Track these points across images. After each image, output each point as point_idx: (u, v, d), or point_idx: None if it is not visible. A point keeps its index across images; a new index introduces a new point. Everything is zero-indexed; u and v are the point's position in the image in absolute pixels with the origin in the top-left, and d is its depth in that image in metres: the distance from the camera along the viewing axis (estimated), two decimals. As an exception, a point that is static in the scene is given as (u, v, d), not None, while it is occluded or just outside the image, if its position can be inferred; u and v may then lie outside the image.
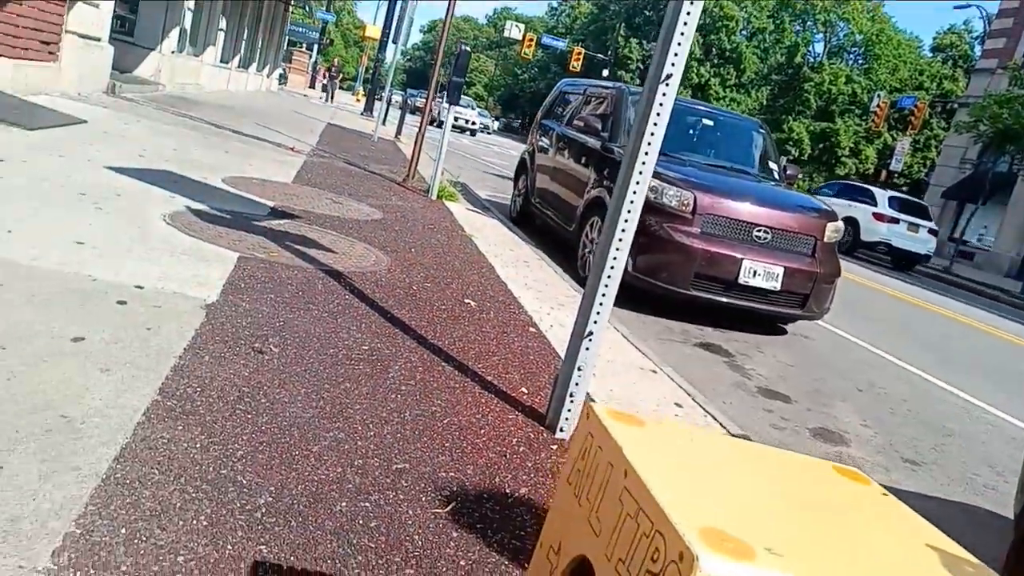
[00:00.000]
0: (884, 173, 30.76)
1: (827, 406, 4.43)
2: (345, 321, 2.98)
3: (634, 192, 2.43)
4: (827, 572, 0.60)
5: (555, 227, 7.14)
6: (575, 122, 7.13)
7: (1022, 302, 15.61)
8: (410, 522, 1.70)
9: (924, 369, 5.92)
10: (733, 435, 2.97)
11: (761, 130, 7.43)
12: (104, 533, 1.42)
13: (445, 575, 1.55)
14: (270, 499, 1.67)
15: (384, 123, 15.36)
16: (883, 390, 5.10)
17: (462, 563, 1.60)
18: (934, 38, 44.25)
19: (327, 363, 2.51)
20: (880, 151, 38.35)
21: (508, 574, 1.60)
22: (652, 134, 2.37)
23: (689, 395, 3.36)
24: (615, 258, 2.49)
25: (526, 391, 2.77)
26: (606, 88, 7.42)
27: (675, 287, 5.43)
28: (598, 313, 2.41)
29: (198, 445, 1.81)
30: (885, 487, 2.44)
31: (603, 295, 2.46)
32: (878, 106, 28.96)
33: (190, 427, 1.88)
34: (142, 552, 1.39)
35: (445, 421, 2.30)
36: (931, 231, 17.57)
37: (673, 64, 2.31)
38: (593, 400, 2.85)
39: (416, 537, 1.65)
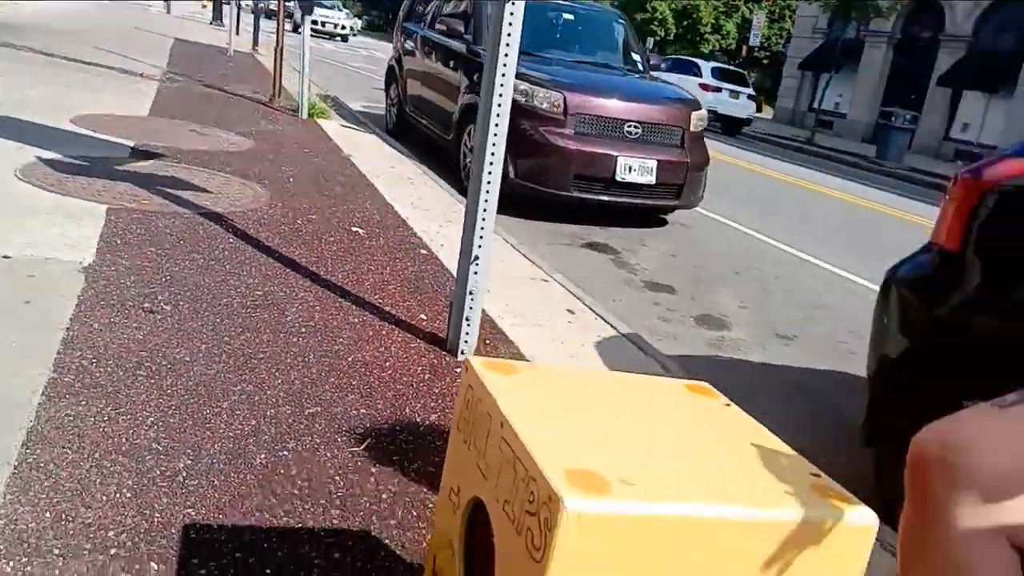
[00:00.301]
0: (744, 48, 31.60)
1: (708, 292, 4.75)
2: (234, 267, 2.95)
3: (499, 97, 2.44)
4: (673, 491, 0.73)
5: (433, 137, 7.08)
6: (437, 25, 6.96)
7: (879, 167, 16.78)
8: (329, 465, 1.79)
9: (793, 245, 6.38)
10: (623, 335, 3.18)
11: (621, 21, 7.51)
12: (29, 520, 1.43)
13: (369, 510, 1.65)
14: (189, 462, 1.71)
15: (238, 33, 14.36)
16: (758, 270, 5.49)
17: (384, 496, 1.71)
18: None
19: (223, 314, 2.50)
20: (740, 25, 39.19)
21: (428, 501, 1.72)
22: (509, 35, 2.37)
23: (580, 299, 3.54)
24: (490, 173, 2.51)
25: (425, 317, 2.86)
26: (461, -14, 7.26)
27: (556, 190, 5.57)
28: (481, 235, 2.48)
29: (106, 417, 1.81)
30: (763, 363, 2.70)
31: (484, 214, 2.50)
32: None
33: (94, 400, 1.87)
34: (71, 533, 1.42)
35: (350, 359, 2.37)
36: (750, 96, 19.68)
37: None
38: (490, 316, 2.97)
39: (337, 478, 1.74)
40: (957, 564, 0.92)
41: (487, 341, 2.72)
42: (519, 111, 5.61)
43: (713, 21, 39.65)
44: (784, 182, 11.23)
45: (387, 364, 2.39)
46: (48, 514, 1.46)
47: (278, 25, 8.34)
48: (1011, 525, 0.89)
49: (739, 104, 19.35)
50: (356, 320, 2.68)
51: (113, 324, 2.27)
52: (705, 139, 6.23)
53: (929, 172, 16.70)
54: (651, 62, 7.17)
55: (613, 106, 5.62)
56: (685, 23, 39.78)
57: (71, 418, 1.77)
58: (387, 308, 2.85)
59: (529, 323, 3.08)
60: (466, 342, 2.54)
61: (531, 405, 0.83)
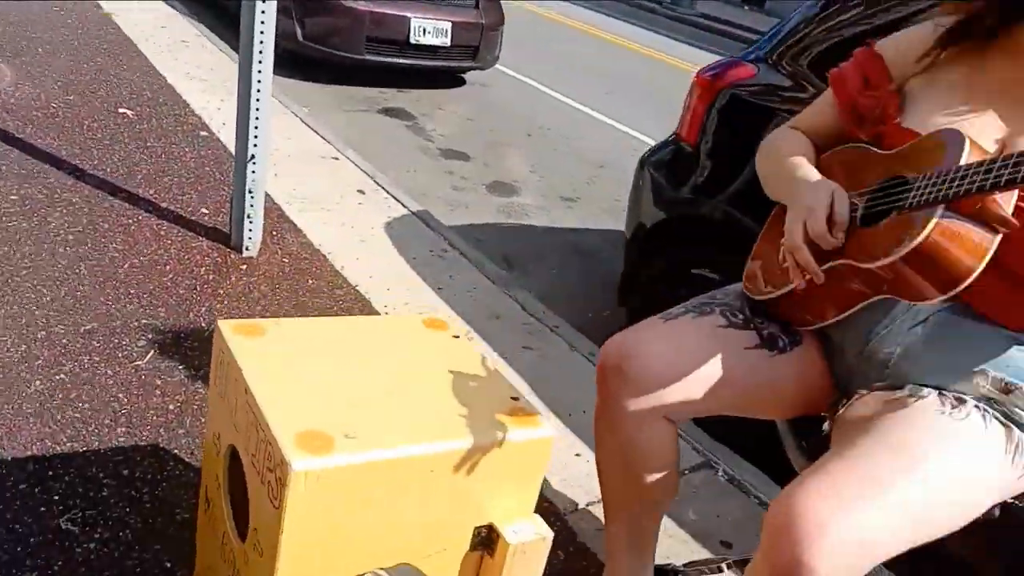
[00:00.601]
0: None
1: (501, 157, 4.92)
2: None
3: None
4: (389, 437, 0.90)
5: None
6: None
7: (672, 12, 17.35)
8: (111, 383, 1.82)
9: (586, 103, 6.64)
10: (414, 212, 3.29)
11: None
12: None
13: (156, 423, 1.73)
14: (-47, 397, 1.68)
15: None
16: (551, 130, 5.71)
17: (171, 408, 1.79)
18: None
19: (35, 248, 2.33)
20: None
21: (216, 407, 1.82)
22: None
23: (372, 177, 3.58)
24: (261, 62, 2.41)
25: (207, 211, 2.80)
26: None
27: (349, 52, 5.39)
28: (256, 131, 2.43)
29: None
30: (547, 227, 2.93)
31: (257, 106, 2.43)
32: None
33: None
34: None
35: (126, 265, 2.32)
36: None
37: None
38: (276, 204, 2.96)
39: (121, 396, 1.79)
40: (629, 438, 1.19)
41: (273, 233, 2.74)
42: (302, -32, 5.27)
43: None
44: (583, 32, 11.41)
45: (168, 267, 2.37)
46: None
47: None
48: (665, 405, 1.16)
49: None
50: (130, 220, 2.59)
51: None
52: (499, -2, 6.18)
53: (718, 19, 17.51)
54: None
55: (402, -35, 5.40)
56: None
57: None
58: (164, 204, 2.76)
59: (318, 207, 3.10)
60: (250, 239, 2.55)
61: (272, 368, 0.95)
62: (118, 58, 4.31)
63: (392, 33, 5.40)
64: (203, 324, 2.15)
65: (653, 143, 5.25)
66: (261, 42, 2.32)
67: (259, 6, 2.31)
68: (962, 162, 0.96)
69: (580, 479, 1.81)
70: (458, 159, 4.73)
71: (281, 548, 0.85)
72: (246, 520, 0.96)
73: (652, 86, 8.22)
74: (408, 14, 5.39)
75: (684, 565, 1.51)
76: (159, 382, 1.87)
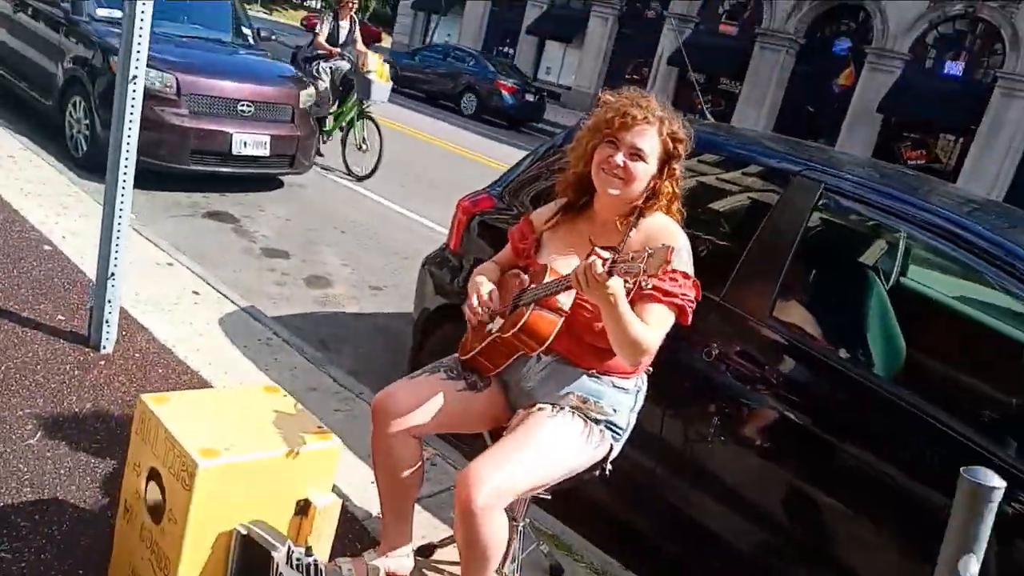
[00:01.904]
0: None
1: (317, 254, 5.68)
2: None
3: (132, 108, 2.96)
4: (244, 448, 1.66)
5: (24, 96, 6.86)
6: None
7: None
8: (12, 458, 2.38)
9: (394, 200, 7.57)
10: (243, 308, 3.97)
11: (231, -7, 7.83)
12: None
13: (56, 483, 2.32)
14: None
15: None
16: (360, 226, 6.55)
17: (63, 471, 2.38)
18: None
19: None
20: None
21: (97, 467, 2.43)
22: (140, 34, 2.86)
23: (204, 279, 4.22)
24: (124, 185, 3.07)
25: (63, 317, 3.35)
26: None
27: (176, 164, 5.98)
28: (116, 256, 3.07)
29: None
30: (356, 313, 3.78)
31: (119, 232, 3.06)
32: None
33: None
34: None
35: (3, 368, 2.85)
36: None
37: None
38: (123, 307, 3.54)
39: (22, 466, 2.35)
40: (390, 449, 2.00)
41: (124, 332, 3.32)
42: (129, 89, 5.84)
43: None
44: (395, 129, 12.48)
45: (38, 367, 2.92)
46: None
47: None
48: (409, 428, 1.99)
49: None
50: (19, 330, 3.10)
51: None
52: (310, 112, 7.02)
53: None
54: (263, 34, 7.62)
55: (226, 86, 6.12)
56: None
57: None
58: (24, 314, 3.28)
59: (159, 309, 3.70)
60: (107, 339, 3.14)
61: (178, 416, 1.68)
62: (-49, 177, 4.67)
63: (215, 146, 6.06)
64: (76, 410, 2.72)
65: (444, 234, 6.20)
66: (124, 183, 3.00)
67: (124, 149, 3.00)
68: (545, 280, 1.91)
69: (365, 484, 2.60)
70: (279, 257, 5.44)
71: (190, 514, 1.57)
72: (158, 512, 1.67)
73: (454, 180, 9.33)
74: (230, 129, 6.09)
75: (439, 542, 2.34)
76: (50, 454, 2.44)
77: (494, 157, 11.71)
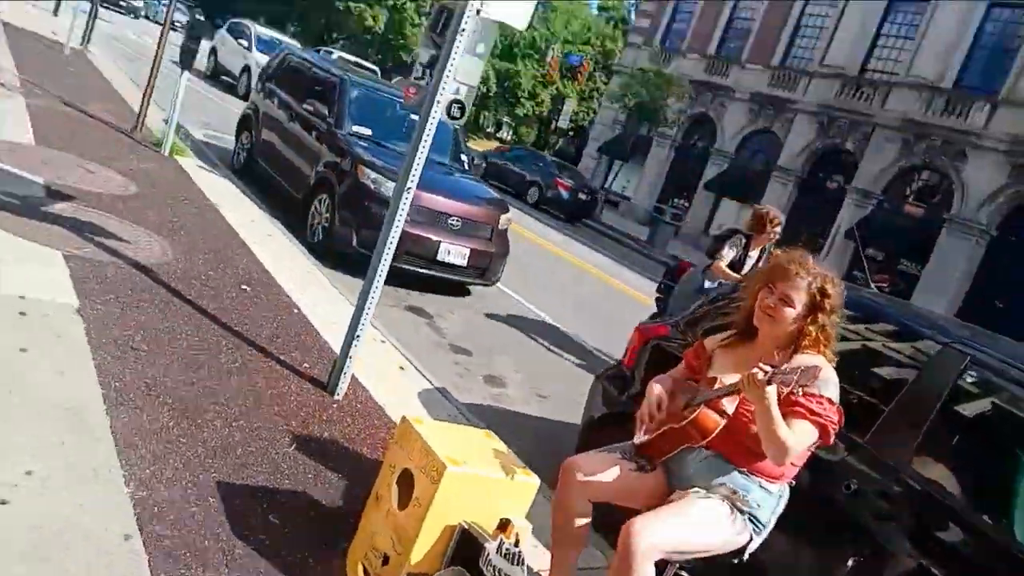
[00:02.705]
0: (553, 125, 35.28)
1: (494, 357, 6.41)
2: (174, 314, 4.11)
3: (401, 210, 3.85)
4: (476, 464, 2.25)
5: (282, 188, 8.31)
6: (305, 104, 8.16)
7: (647, 250, 19.86)
8: (276, 458, 3.11)
9: (562, 321, 8.29)
10: (436, 388, 4.69)
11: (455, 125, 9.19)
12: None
13: (305, 482, 3.01)
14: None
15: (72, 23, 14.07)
16: (532, 341, 7.27)
17: (310, 474, 3.07)
18: (598, -3, 50.34)
19: (177, 355, 3.70)
20: (554, 97, 43.07)
21: (338, 475, 3.10)
22: (416, 167, 3.78)
23: (408, 358, 5.02)
24: (381, 273, 3.93)
25: (307, 365, 4.20)
26: (330, 74, 8.54)
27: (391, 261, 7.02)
28: (365, 319, 3.90)
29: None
30: (525, 413, 4.43)
31: (371, 304, 3.92)
32: (552, 58, 33.00)
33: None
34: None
35: (268, 393, 3.67)
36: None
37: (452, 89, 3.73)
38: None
39: (282, 465, 3.07)
40: (569, 506, 2.52)
41: (350, 387, 4.11)
42: (368, 195, 7.06)
43: (530, 88, 43.18)
44: (568, 261, 13.45)
45: (291, 398, 3.72)
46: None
47: (159, 46, 8.98)
48: (588, 492, 2.50)
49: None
50: (263, 365, 3.97)
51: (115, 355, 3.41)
52: (508, 233, 7.99)
53: (681, 259, 19.89)
54: (475, 161, 8.83)
55: (442, 202, 7.20)
56: (506, 83, 42.97)
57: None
58: (282, 356, 4.16)
59: (374, 375, 4.49)
60: (341, 387, 3.93)
61: (431, 435, 2.32)
62: (230, 245, 5.89)
63: (424, 251, 7.08)
64: (317, 433, 3.46)
65: (608, 356, 6.78)
66: (382, 269, 3.85)
67: (389, 242, 3.87)
68: (714, 387, 2.43)
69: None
70: (463, 353, 6.21)
71: (433, 503, 2.17)
72: (405, 500, 2.28)
73: (617, 312, 9.96)
74: (439, 239, 7.12)
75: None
76: (301, 460, 3.16)
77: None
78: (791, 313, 2.46)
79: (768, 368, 2.16)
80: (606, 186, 27.86)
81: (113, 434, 2.82)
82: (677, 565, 2.57)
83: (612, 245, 19.27)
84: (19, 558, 2.08)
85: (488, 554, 2.16)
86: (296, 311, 5.03)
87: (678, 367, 2.82)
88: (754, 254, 6.06)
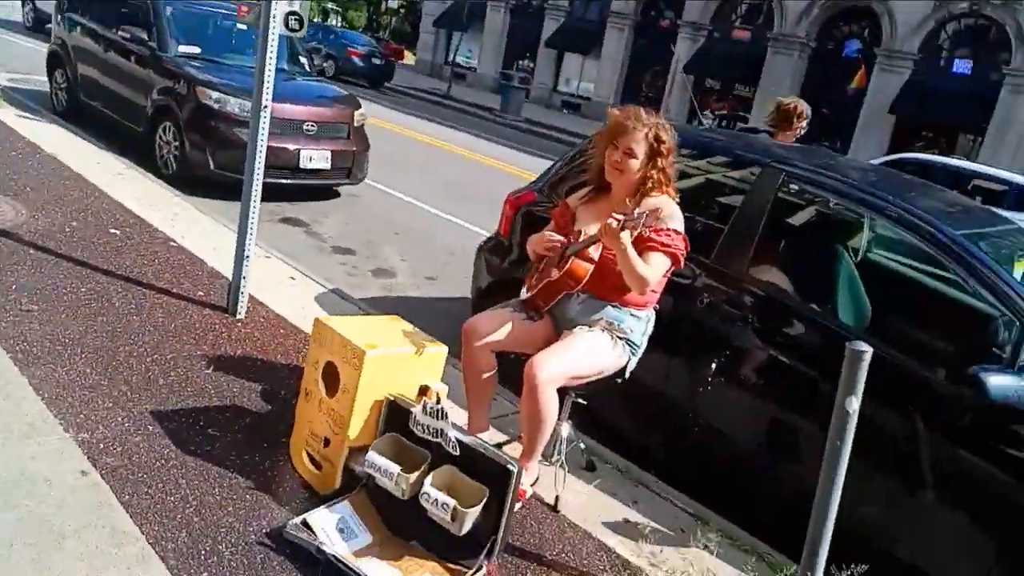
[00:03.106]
0: (383, 5, 33.83)
1: (377, 250, 6.63)
2: (55, 273, 4.07)
3: (263, 127, 3.93)
4: (385, 344, 2.57)
5: (118, 123, 7.89)
6: (120, 32, 7.60)
7: (502, 119, 19.97)
8: (200, 380, 3.31)
9: (435, 205, 8.52)
10: (330, 290, 4.91)
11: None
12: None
13: (233, 396, 3.24)
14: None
15: None
16: (411, 229, 7.51)
17: (235, 388, 3.30)
18: None
19: (74, 307, 3.73)
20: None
21: (259, 386, 3.35)
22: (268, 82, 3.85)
23: (296, 268, 5.18)
24: (256, 190, 4.03)
25: (203, 293, 4.31)
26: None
27: (253, 176, 6.95)
28: (251, 236, 4.03)
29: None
30: (419, 297, 4.78)
31: (252, 222, 4.03)
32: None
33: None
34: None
35: (173, 326, 3.80)
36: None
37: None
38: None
39: (209, 387, 3.28)
40: (476, 361, 2.90)
41: (249, 305, 4.27)
42: (214, 115, 6.87)
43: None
44: (425, 142, 13.49)
45: (196, 326, 3.87)
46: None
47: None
48: (488, 344, 2.88)
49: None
50: (159, 301, 4.06)
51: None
52: (365, 129, 8.00)
53: (542, 124, 20.27)
54: (316, 61, 8.62)
55: (294, 109, 7.11)
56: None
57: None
58: (174, 290, 4.24)
59: (267, 290, 4.64)
60: (242, 307, 4.10)
61: (345, 327, 2.60)
62: (81, 189, 5.70)
63: (286, 161, 7.04)
64: (231, 352, 3.66)
65: (481, 230, 7.17)
66: (256, 185, 3.95)
67: (257, 158, 3.95)
68: (579, 239, 2.81)
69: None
70: (347, 253, 6.39)
71: (360, 385, 2.48)
72: (333, 388, 2.59)
73: (486, 188, 10.24)
74: (298, 146, 7.09)
75: (504, 442, 3.24)
76: (223, 379, 3.38)
77: (518, 166, 12.64)
78: (635, 164, 2.84)
79: (620, 217, 2.55)
80: (449, 60, 27.37)
81: (37, 391, 2.93)
82: (574, 394, 3.05)
83: (467, 119, 19.27)
84: (-11, 514, 2.26)
85: (415, 416, 2.52)
86: (174, 244, 5.04)
87: (548, 226, 3.18)
88: None
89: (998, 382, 2.50)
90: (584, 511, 2.98)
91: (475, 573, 2.37)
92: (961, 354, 3.06)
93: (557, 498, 2.97)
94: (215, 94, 6.85)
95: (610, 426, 3.64)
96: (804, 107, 5.07)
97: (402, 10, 39.64)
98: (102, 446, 2.70)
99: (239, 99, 6.83)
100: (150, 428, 2.88)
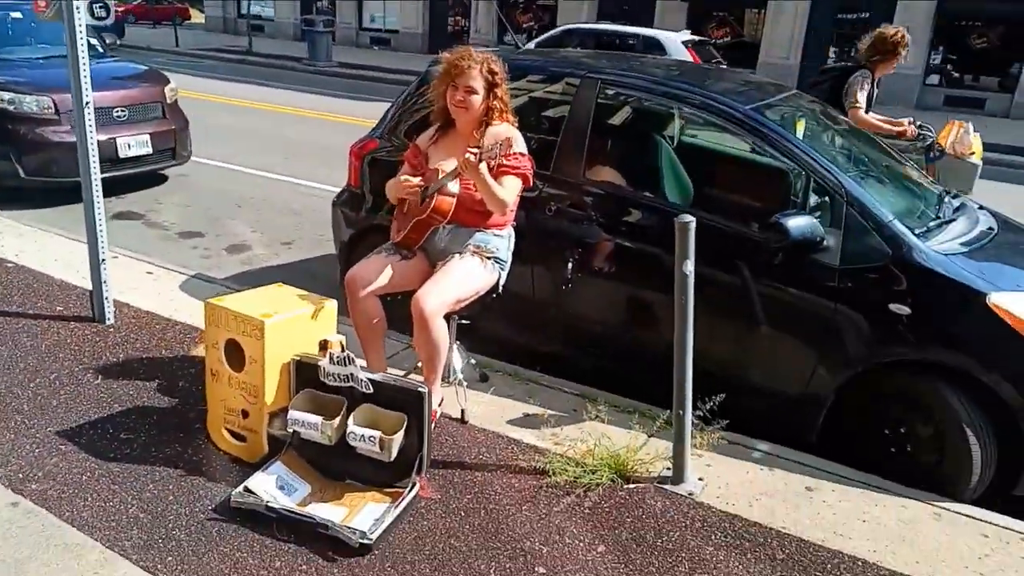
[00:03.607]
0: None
1: (226, 227, 6.54)
2: None
3: (90, 127, 3.84)
4: (282, 308, 2.75)
5: None
6: None
7: (313, 67, 19.31)
8: (94, 393, 3.33)
9: (266, 168, 8.39)
10: (192, 276, 4.89)
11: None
12: None
13: (134, 397, 3.29)
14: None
15: None
16: (251, 198, 7.40)
17: (132, 391, 3.35)
18: None
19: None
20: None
21: (156, 382, 3.41)
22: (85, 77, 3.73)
23: (149, 262, 5.08)
24: (97, 190, 3.95)
25: (61, 308, 4.20)
26: None
27: (68, 176, 6.54)
28: (102, 245, 3.96)
29: None
30: (279, 264, 4.82)
31: (100, 224, 3.96)
32: None
33: None
34: None
35: (43, 347, 3.73)
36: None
37: None
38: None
39: (104, 395, 3.31)
40: (361, 305, 3.12)
41: (116, 309, 4.22)
42: (12, 118, 6.39)
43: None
44: (241, 106, 12.97)
45: (70, 341, 3.81)
46: None
47: None
48: (370, 290, 3.11)
49: None
50: (21, 326, 3.94)
51: None
52: (179, 104, 7.68)
53: (353, 65, 19.80)
54: (108, 42, 8.08)
55: (99, 97, 6.67)
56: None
57: None
58: (30, 311, 4.12)
59: (128, 290, 4.57)
60: (109, 311, 4.05)
61: (236, 303, 2.74)
62: None
63: (104, 154, 6.65)
64: (115, 357, 3.66)
65: (324, 187, 7.23)
66: (96, 186, 3.87)
67: (91, 158, 3.86)
68: (439, 177, 3.06)
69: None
70: (195, 237, 6.28)
71: (265, 353, 2.65)
72: (239, 363, 2.75)
73: (308, 141, 10.12)
74: (113, 135, 6.74)
75: (403, 376, 3.52)
76: (117, 385, 3.41)
77: (343, 112, 12.47)
78: (476, 99, 3.10)
79: (476, 150, 2.83)
80: (243, 13, 25.86)
81: (-72, 441, 2.88)
82: (458, 318, 3.35)
83: (277, 73, 18.52)
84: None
85: (324, 368, 2.73)
86: (10, 264, 4.81)
87: (402, 170, 3.39)
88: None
89: (795, 223, 3.05)
90: (488, 416, 3.34)
91: (411, 490, 2.67)
92: (768, 209, 3.60)
93: (463, 411, 3.30)
94: (7, 95, 6.37)
95: (493, 339, 3.99)
96: (905, 32, 4.92)
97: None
98: (21, 475, 2.73)
99: (35, 96, 6.40)
100: (62, 448, 2.93)
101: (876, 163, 4.04)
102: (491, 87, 3.12)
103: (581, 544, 2.54)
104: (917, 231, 3.21)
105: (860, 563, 2.51)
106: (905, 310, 3.01)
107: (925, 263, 3.04)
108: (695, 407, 2.87)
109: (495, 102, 3.14)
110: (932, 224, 3.41)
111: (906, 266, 3.06)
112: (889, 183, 3.89)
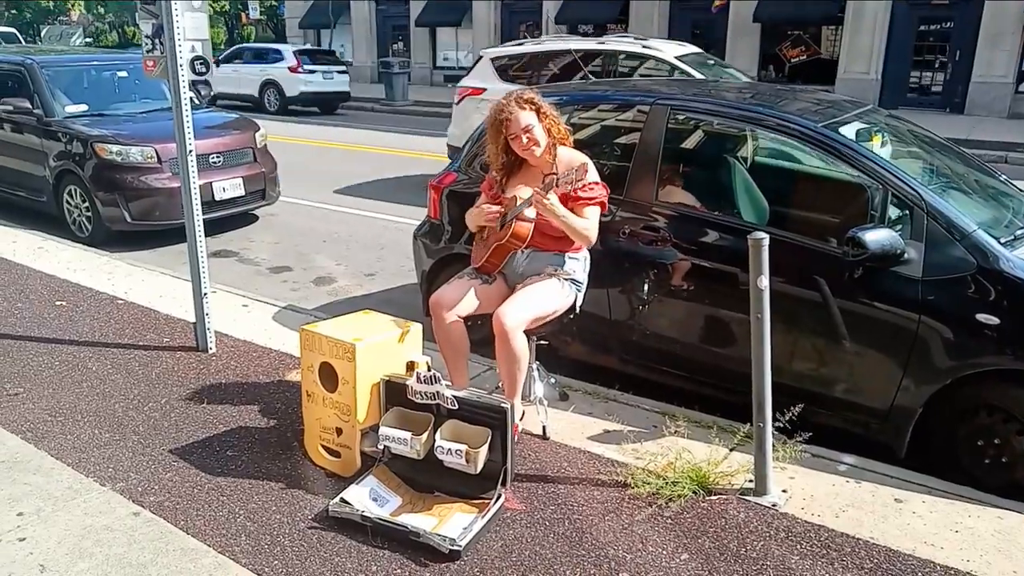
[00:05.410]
0: (243, 17, 32.95)
1: (312, 261, 6.87)
2: (19, 356, 4.22)
3: (193, 178, 4.17)
4: (367, 334, 2.91)
5: (19, 199, 7.82)
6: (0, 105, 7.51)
7: (390, 107, 20.00)
8: (201, 415, 3.58)
9: (356, 206, 8.76)
10: (283, 308, 5.17)
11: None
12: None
13: (237, 418, 3.52)
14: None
15: None
16: (336, 233, 7.75)
17: (236, 412, 3.58)
18: None
19: (64, 386, 3.92)
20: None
21: (258, 404, 3.64)
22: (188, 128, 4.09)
23: (243, 296, 5.40)
24: (199, 231, 4.26)
25: (168, 340, 4.52)
26: (11, 63, 7.82)
27: (170, 220, 7.05)
28: (205, 281, 4.26)
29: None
30: (363, 295, 5.12)
31: (203, 261, 4.27)
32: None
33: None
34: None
35: (154, 373, 4.03)
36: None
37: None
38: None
39: (210, 417, 3.56)
40: (447, 331, 3.27)
41: (217, 339, 4.51)
42: (119, 168, 6.92)
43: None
44: (328, 147, 13.57)
45: (177, 368, 4.10)
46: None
47: None
48: (456, 312, 3.26)
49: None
50: (132, 357, 4.27)
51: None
52: (268, 148, 8.14)
53: (429, 103, 20.40)
54: (203, 92, 8.66)
55: (197, 144, 7.09)
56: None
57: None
58: (141, 343, 4.45)
59: (227, 321, 4.88)
60: (211, 342, 4.34)
61: (328, 329, 2.92)
62: (14, 273, 5.74)
63: (203, 197, 7.12)
64: (219, 381, 3.92)
65: (409, 221, 7.49)
66: (198, 225, 4.18)
67: (193, 200, 4.18)
68: (516, 204, 3.20)
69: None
70: (284, 271, 6.62)
71: (357, 374, 2.82)
72: (332, 384, 2.92)
73: (396, 179, 10.52)
74: (209, 180, 7.20)
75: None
76: (223, 407, 3.65)
77: (421, 149, 12.89)
78: (539, 134, 3.24)
79: (540, 189, 3.01)
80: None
81: (60, 460, 3.16)
82: (536, 338, 3.46)
83: (356, 115, 19.27)
84: (69, 561, 2.52)
85: (411, 387, 2.88)
86: (121, 301, 5.20)
87: (480, 199, 3.55)
88: None
89: (873, 236, 3.04)
90: (569, 433, 3.41)
91: (496, 501, 2.77)
92: (847, 224, 3.59)
93: (544, 427, 3.39)
94: (115, 147, 6.91)
95: (573, 360, 4.07)
96: None
97: (264, 19, 38.71)
98: (140, 489, 2.97)
99: (140, 147, 6.91)
100: (175, 464, 3.16)
101: (961, 175, 4.00)
102: (538, 111, 3.27)
103: (664, 552, 2.58)
104: (1003, 240, 3.16)
105: (952, 572, 2.46)
106: (993, 320, 2.96)
107: (1012, 272, 2.99)
108: (776, 420, 2.88)
109: (547, 121, 3.28)
110: (1020, 233, 3.34)
111: (992, 275, 3.01)
112: (974, 194, 3.83)
